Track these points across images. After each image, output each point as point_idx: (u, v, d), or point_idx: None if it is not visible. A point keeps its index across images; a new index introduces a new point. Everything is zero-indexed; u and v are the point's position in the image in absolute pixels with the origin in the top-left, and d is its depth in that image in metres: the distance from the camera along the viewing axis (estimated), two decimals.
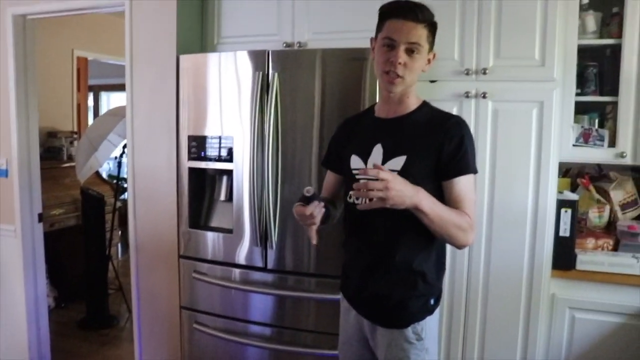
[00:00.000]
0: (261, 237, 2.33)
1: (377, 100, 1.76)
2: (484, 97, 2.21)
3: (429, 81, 2.27)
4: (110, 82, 7.15)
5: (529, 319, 2.24)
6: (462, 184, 1.53)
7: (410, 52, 1.52)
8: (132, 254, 2.81)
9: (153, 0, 2.61)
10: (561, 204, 2.24)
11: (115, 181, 4.65)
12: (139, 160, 2.73)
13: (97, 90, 7.33)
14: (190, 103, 2.47)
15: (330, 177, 1.83)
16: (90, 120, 5.96)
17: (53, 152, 4.58)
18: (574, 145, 2.31)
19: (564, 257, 2.25)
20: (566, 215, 2.24)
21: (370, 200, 1.39)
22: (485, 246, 2.26)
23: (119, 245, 5.56)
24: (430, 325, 1.62)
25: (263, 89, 2.27)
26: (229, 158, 2.37)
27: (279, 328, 2.37)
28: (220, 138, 2.40)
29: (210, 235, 2.47)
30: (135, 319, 2.87)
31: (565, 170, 2.56)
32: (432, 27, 1.55)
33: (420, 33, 1.52)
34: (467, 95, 2.23)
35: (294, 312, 2.34)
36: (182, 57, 2.50)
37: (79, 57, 5.16)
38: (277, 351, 2.37)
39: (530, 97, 2.17)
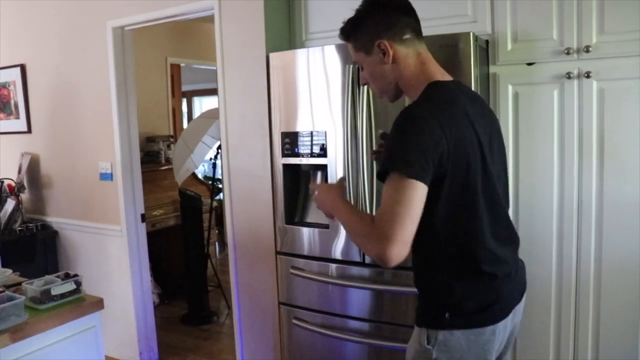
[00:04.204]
0: None
1: None
2: (588, 76, 2.04)
3: (526, 64, 2.14)
4: (202, 87, 7.41)
5: None
6: (386, 183, 1.30)
7: (362, 70, 1.53)
8: (230, 251, 2.87)
9: (241, 1, 2.65)
10: None
11: (210, 182, 4.80)
12: (233, 160, 2.79)
13: (189, 96, 7.61)
14: (281, 100, 2.49)
15: None
16: (185, 125, 6.19)
17: (152, 156, 4.80)
18: None
19: None
20: None
21: None
22: (596, 237, 2.10)
23: (217, 244, 5.74)
24: (448, 342, 1.37)
25: (354, 82, 2.23)
26: (323, 153, 2.36)
27: (378, 323, 2.32)
28: (312, 133, 2.39)
29: (306, 231, 2.47)
30: (236, 315, 2.93)
31: None
32: (354, 34, 1.49)
33: (352, 49, 1.51)
34: (568, 76, 2.07)
35: (392, 307, 2.29)
36: (272, 55, 2.51)
37: (172, 64, 5.38)
38: (375, 346, 2.33)
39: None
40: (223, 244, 6.00)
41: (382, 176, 1.32)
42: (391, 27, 1.43)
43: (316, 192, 1.55)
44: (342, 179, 1.89)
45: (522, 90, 2.19)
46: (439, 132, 1.28)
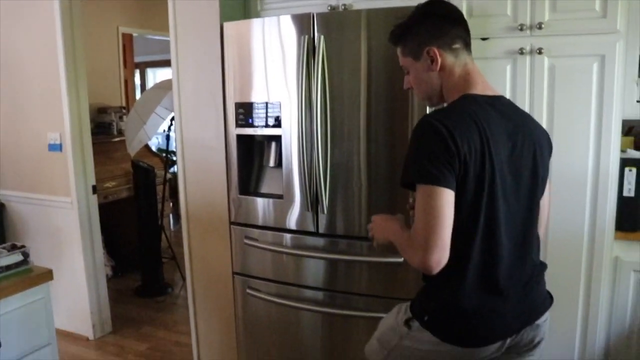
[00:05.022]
0: (312, 202, 2.31)
1: None
2: (540, 52, 2.10)
3: (480, 39, 2.18)
4: (155, 59, 7.24)
5: (591, 282, 2.15)
6: (416, 195, 1.32)
7: (407, 73, 1.56)
8: (183, 222, 2.86)
9: None
10: (625, 163, 2.14)
11: (164, 154, 4.73)
12: (187, 131, 2.75)
13: (143, 67, 7.43)
14: (235, 71, 2.46)
15: None
16: (138, 96, 6.06)
17: (103, 128, 4.70)
18: (638, 102, 2.18)
19: (628, 219, 2.15)
20: (630, 174, 2.14)
21: None
22: None
23: (171, 216, 5.69)
24: (422, 336, 1.44)
25: (309, 52, 2.23)
26: (277, 124, 2.35)
27: (332, 292, 2.36)
28: (267, 104, 2.38)
29: (260, 201, 2.48)
30: (189, 286, 2.93)
31: (629, 128, 2.44)
32: (403, 39, 1.52)
33: (400, 53, 1.54)
34: (521, 51, 2.13)
35: (346, 276, 2.33)
36: (226, 25, 2.47)
37: (124, 34, 5.24)
38: (330, 315, 2.38)
39: (590, 51, 2.05)
40: (177, 217, 5.95)
41: (408, 186, 1.36)
42: (442, 36, 1.46)
43: (374, 222, 1.58)
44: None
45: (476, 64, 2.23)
46: (447, 137, 1.29)
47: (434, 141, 1.30)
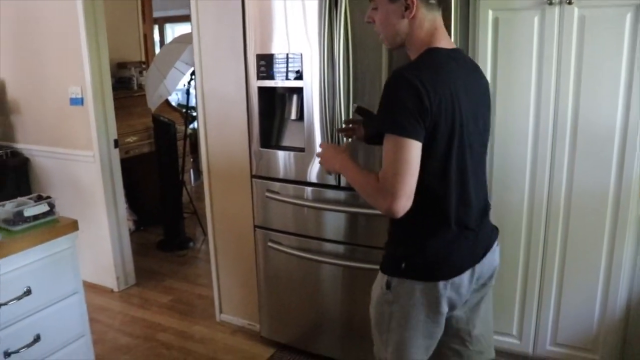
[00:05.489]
0: None
1: None
2: (570, 2, 2.01)
3: None
4: (173, 14, 7.15)
5: (614, 241, 2.13)
6: (385, 144, 1.41)
7: (374, 8, 1.54)
8: (205, 175, 2.87)
9: None
10: None
11: (184, 110, 4.73)
12: (207, 83, 2.74)
13: (161, 22, 7.36)
14: (256, 22, 2.41)
15: None
16: (157, 52, 6.02)
17: (123, 82, 4.70)
18: None
19: None
20: None
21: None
22: (568, 164, 2.14)
23: (191, 172, 5.73)
24: (403, 288, 1.54)
25: (331, 4, 2.17)
26: (299, 76, 2.32)
27: (352, 245, 2.37)
28: (287, 56, 2.34)
29: (281, 154, 2.47)
30: (211, 239, 2.97)
31: None
32: None
33: None
34: (550, 2, 2.04)
35: (366, 229, 2.33)
36: None
37: None
38: (350, 268, 2.39)
39: (623, 0, 1.96)
40: (198, 172, 5.99)
41: (375, 139, 1.47)
42: None
43: (322, 151, 1.70)
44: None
45: (502, 16, 2.16)
46: (423, 92, 1.36)
47: (408, 95, 1.37)
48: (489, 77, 2.16)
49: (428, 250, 1.52)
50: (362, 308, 2.42)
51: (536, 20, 2.09)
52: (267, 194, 2.51)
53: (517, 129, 2.20)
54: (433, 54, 1.48)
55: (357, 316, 2.43)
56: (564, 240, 2.22)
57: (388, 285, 1.56)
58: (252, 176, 2.58)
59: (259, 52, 2.41)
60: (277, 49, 2.37)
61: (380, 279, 1.60)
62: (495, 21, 2.17)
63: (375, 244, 2.30)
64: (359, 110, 1.86)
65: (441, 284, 1.50)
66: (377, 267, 1.60)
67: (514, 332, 2.40)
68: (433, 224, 1.51)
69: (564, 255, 2.23)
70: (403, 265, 1.52)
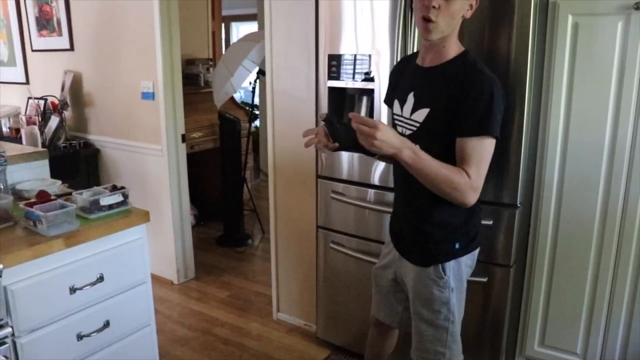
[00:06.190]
0: None
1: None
2: None
3: None
4: (239, 13, 7.27)
5: None
6: (472, 145, 1.50)
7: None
8: (270, 173, 2.89)
9: None
10: None
11: (248, 108, 4.78)
12: (277, 81, 2.75)
13: (227, 21, 7.49)
14: (327, 22, 2.40)
15: None
16: (224, 49, 6.12)
17: (191, 79, 4.77)
18: None
19: None
20: None
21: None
22: None
23: (251, 170, 5.80)
24: (456, 268, 1.68)
25: (407, 5, 2.14)
26: (370, 78, 2.29)
27: None
28: (357, 57, 2.32)
29: (346, 155, 2.45)
30: (272, 237, 2.99)
31: None
32: None
33: None
34: (636, 6, 1.92)
35: None
36: None
37: None
38: None
39: None
40: (258, 171, 6.05)
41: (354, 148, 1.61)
42: None
43: (378, 130, 1.41)
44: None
45: (582, 21, 2.05)
46: (504, 97, 1.56)
47: (502, 99, 1.53)
48: (564, 83, 2.09)
49: (471, 226, 1.70)
50: None
51: (620, 26, 1.98)
52: (332, 194, 2.50)
53: (592, 140, 2.09)
54: (475, 56, 1.61)
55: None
56: (638, 256, 2.10)
57: (443, 272, 1.67)
58: (318, 176, 2.58)
59: (330, 52, 2.40)
60: (349, 50, 2.35)
61: (432, 272, 1.68)
62: (575, 26, 2.06)
63: None
64: (327, 120, 1.71)
65: (479, 249, 1.75)
66: None
67: (578, 351, 2.29)
68: (475, 204, 1.59)
69: (637, 272, 2.12)
70: (457, 245, 1.67)
